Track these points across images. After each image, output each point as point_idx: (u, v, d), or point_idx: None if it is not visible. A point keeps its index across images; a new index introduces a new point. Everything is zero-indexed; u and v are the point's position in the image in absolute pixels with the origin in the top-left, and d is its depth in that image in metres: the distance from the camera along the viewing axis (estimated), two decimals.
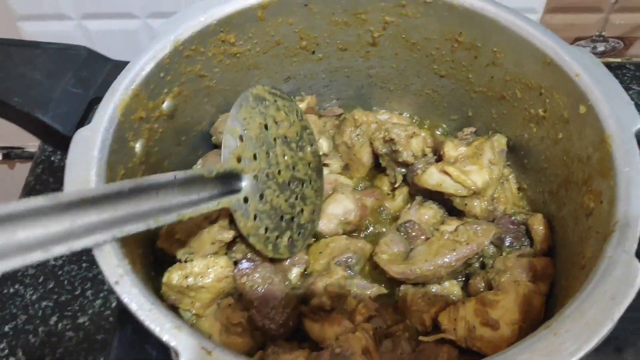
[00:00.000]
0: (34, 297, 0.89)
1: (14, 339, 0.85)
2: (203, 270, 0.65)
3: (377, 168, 0.83)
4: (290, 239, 0.70)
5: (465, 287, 0.71)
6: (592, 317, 0.47)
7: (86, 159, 0.56)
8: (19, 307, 0.88)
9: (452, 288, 0.70)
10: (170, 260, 0.68)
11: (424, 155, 0.77)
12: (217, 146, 0.79)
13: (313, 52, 0.80)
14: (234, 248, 0.68)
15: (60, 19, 1.08)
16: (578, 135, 0.64)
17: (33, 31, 1.10)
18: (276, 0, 0.71)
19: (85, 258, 0.93)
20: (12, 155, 1.46)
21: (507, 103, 0.75)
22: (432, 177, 0.73)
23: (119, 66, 0.65)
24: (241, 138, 0.63)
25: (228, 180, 0.61)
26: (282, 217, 0.68)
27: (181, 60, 0.68)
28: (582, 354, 0.45)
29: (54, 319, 0.87)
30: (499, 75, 0.74)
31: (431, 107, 0.85)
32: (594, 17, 1.14)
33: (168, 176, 0.54)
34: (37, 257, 0.42)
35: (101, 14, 1.08)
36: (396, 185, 0.80)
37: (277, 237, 0.68)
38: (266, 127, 0.67)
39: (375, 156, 0.81)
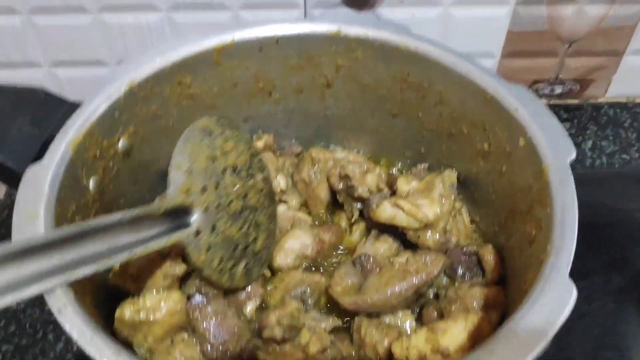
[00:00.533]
0: None
1: None
2: (155, 304, 0.65)
3: (335, 204, 0.84)
4: (246, 267, 0.70)
5: (419, 317, 0.72)
6: (527, 337, 0.48)
7: (36, 195, 0.57)
8: None
9: (405, 318, 0.71)
10: (125, 296, 0.68)
11: (379, 190, 0.80)
12: None
13: (270, 94, 0.82)
14: (188, 282, 0.69)
15: (30, 66, 1.11)
16: (519, 167, 0.66)
17: (1, 78, 1.12)
18: (230, 45, 0.74)
19: None
20: None
21: (456, 139, 0.78)
22: (385, 211, 0.75)
23: (76, 107, 0.67)
24: (189, 172, 0.64)
25: (177, 216, 0.62)
26: (236, 247, 0.69)
27: (137, 101, 0.70)
28: None
29: None
30: (446, 113, 0.77)
31: (386, 145, 0.87)
32: (550, 61, 1.18)
33: (115, 216, 0.54)
34: None
35: (71, 61, 1.11)
36: (353, 220, 0.82)
37: (232, 267, 0.68)
38: (214, 159, 0.67)
39: (333, 192, 0.83)
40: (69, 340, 0.87)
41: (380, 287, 0.68)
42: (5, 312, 0.91)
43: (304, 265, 0.78)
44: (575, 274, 0.86)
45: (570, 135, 1.14)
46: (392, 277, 0.68)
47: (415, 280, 0.68)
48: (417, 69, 0.75)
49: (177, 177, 0.63)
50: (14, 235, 0.55)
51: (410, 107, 0.80)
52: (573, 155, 0.61)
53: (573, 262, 0.53)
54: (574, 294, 0.51)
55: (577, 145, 1.15)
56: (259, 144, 0.82)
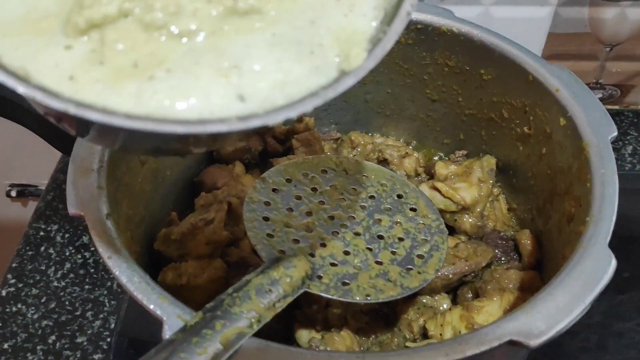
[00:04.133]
0: (35, 316, 0.90)
1: (12, 356, 0.85)
2: (197, 270, 0.67)
3: None
4: None
5: (454, 299, 0.72)
6: (564, 300, 0.49)
7: (89, 152, 0.60)
8: (20, 326, 0.89)
9: (443, 301, 0.71)
10: (167, 263, 0.70)
11: (417, 175, 0.81)
12: (218, 161, 0.83)
13: None
14: (229, 250, 0.70)
15: None
16: (560, 148, 0.67)
17: None
18: None
19: (88, 280, 0.95)
20: (26, 193, 1.51)
21: (495, 124, 0.78)
22: None
23: None
24: None
25: None
26: None
27: None
28: (552, 333, 0.47)
29: (53, 338, 0.88)
30: (487, 97, 0.78)
31: (425, 132, 0.88)
32: (590, 64, 1.18)
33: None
34: None
35: None
36: None
37: None
38: None
39: None
40: (106, 319, 0.89)
41: None
42: (47, 289, 0.94)
43: None
44: (614, 289, 0.86)
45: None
46: None
47: (464, 267, 0.68)
48: (459, 51, 0.76)
49: None
50: (68, 189, 0.58)
51: (450, 91, 0.81)
52: (614, 133, 0.61)
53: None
54: (613, 262, 0.51)
55: (617, 150, 1.14)
56: (300, 126, 0.84)
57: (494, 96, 0.76)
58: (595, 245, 0.52)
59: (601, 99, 1.21)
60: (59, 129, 0.65)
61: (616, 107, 1.23)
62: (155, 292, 0.49)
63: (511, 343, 0.46)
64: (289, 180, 0.66)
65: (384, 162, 0.81)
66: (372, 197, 0.67)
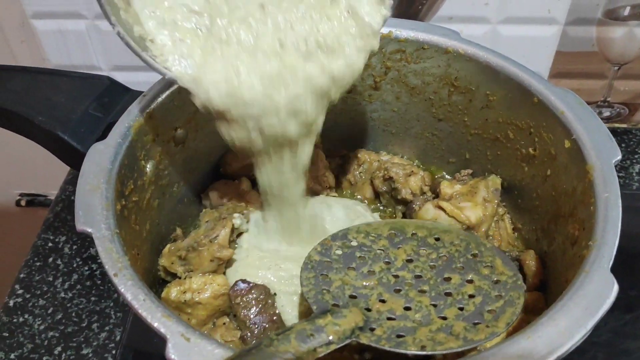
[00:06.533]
0: (42, 327, 0.91)
1: None
2: (200, 286, 0.67)
3: (379, 203, 0.86)
4: None
5: None
6: (565, 325, 0.49)
7: (98, 169, 0.61)
8: (27, 336, 0.90)
9: None
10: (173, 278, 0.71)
11: (423, 193, 0.81)
12: (225, 177, 0.84)
13: None
14: None
15: (91, 69, 1.16)
16: (564, 170, 0.67)
17: None
18: None
19: (94, 292, 0.96)
20: (36, 202, 1.52)
21: (501, 144, 0.79)
22: (428, 213, 0.76)
23: (138, 95, 0.71)
24: None
25: None
26: None
27: None
28: (553, 357, 0.47)
29: (59, 349, 0.88)
30: (493, 117, 0.78)
31: (431, 151, 0.89)
32: (598, 83, 1.18)
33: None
34: None
35: (130, 66, 1.16)
36: None
37: None
38: None
39: (377, 194, 0.85)
40: (112, 331, 0.90)
41: None
42: (54, 300, 0.95)
43: None
44: (622, 307, 0.86)
45: None
46: None
47: None
48: (466, 72, 0.77)
49: None
50: (77, 205, 0.58)
51: (456, 111, 0.82)
52: (618, 156, 0.61)
53: (619, 295, 0.52)
54: (615, 287, 0.51)
55: (625, 168, 1.14)
56: None
57: (499, 117, 0.77)
58: (598, 269, 0.52)
59: (609, 118, 1.22)
60: (67, 144, 0.67)
61: (624, 125, 1.23)
62: (160, 310, 0.50)
63: None
64: (353, 243, 0.66)
65: (389, 180, 0.81)
66: (443, 257, 0.65)
